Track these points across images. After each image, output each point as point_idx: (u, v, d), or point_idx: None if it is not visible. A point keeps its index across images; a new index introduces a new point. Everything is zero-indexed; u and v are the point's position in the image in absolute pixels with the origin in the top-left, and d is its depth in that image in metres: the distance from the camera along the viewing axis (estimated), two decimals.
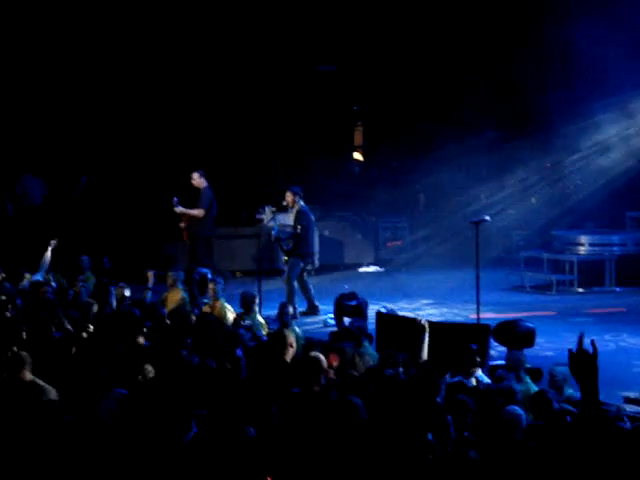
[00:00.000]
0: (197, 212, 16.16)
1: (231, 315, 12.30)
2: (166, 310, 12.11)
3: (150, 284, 13.85)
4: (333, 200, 21.34)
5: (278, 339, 9.62)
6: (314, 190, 19.92)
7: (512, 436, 6.86)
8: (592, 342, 5.13)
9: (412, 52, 21.86)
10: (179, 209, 16.17)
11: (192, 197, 16.44)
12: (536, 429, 7.03)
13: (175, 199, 16.21)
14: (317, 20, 21.38)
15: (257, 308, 12.55)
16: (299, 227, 15.20)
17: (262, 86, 21.56)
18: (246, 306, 12.24)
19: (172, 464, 6.55)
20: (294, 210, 15.46)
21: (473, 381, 8.99)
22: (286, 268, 15.36)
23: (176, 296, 13.33)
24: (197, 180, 16.29)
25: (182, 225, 16.33)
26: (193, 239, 16.26)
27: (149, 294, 13.71)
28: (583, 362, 5.09)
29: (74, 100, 20.21)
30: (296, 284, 15.15)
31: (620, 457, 6.09)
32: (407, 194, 22.10)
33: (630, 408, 8.79)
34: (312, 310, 15.15)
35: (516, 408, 7.37)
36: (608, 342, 13.31)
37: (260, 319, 12.31)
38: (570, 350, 5.12)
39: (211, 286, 12.84)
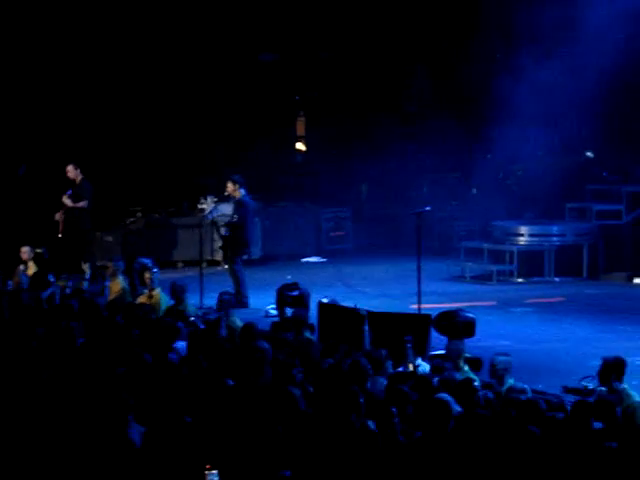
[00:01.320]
0: (83, 204, 16.45)
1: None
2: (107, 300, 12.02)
3: (87, 275, 13.75)
4: (275, 190, 21.30)
5: (216, 328, 9.61)
6: (256, 180, 19.85)
7: (441, 423, 6.87)
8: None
9: (355, 41, 21.85)
10: (68, 201, 16.31)
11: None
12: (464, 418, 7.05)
13: (69, 192, 16.40)
14: (259, 8, 21.27)
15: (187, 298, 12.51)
16: (236, 217, 15.14)
17: (204, 75, 21.40)
18: (176, 297, 12.21)
19: (115, 460, 6.50)
20: (235, 199, 15.39)
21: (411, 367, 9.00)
22: (222, 256, 15.35)
23: (116, 287, 13.22)
24: (73, 172, 16.47)
25: (59, 218, 16.42)
26: (73, 233, 16.43)
27: (85, 284, 13.60)
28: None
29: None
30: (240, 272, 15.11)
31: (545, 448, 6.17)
32: (350, 184, 22.13)
33: (570, 397, 8.87)
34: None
35: (445, 395, 7.41)
36: (548, 332, 13.45)
37: (192, 309, 12.27)
38: None
39: (147, 275, 12.75)
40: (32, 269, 14.38)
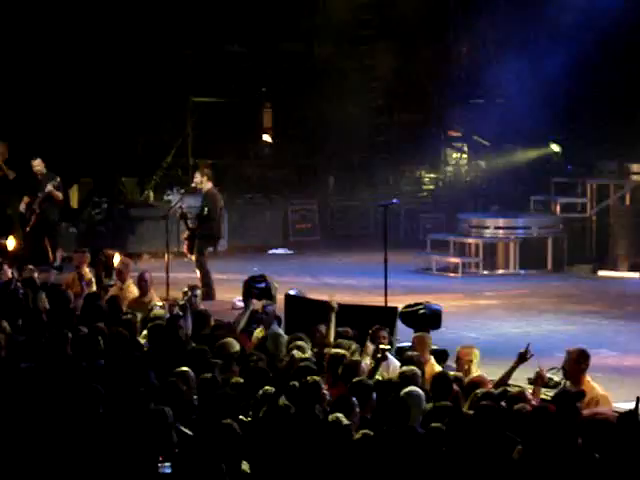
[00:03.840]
0: (60, 194, 16.99)
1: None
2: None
3: (57, 264, 13.67)
4: (242, 182, 21.26)
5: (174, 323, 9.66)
6: (223, 172, 19.81)
7: (412, 417, 6.89)
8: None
9: (320, 31, 21.83)
10: (52, 189, 16.71)
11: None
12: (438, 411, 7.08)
13: (55, 181, 16.83)
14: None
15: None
16: (205, 209, 15.09)
17: (172, 66, 21.27)
18: (142, 289, 12.20)
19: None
20: (202, 191, 15.33)
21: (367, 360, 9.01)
22: (185, 248, 15.30)
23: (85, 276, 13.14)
24: (40, 166, 16.95)
25: (35, 210, 16.66)
26: (45, 224, 16.82)
27: (53, 275, 13.53)
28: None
29: None
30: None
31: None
32: (316, 177, 22.13)
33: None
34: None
35: (416, 389, 7.43)
36: (514, 324, 13.54)
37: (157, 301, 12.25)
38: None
39: (120, 267, 12.71)
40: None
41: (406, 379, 7.94)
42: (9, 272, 12.84)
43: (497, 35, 20.26)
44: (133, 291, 12.52)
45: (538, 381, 8.32)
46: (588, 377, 8.50)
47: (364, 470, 6.24)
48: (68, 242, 18.13)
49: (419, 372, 8.24)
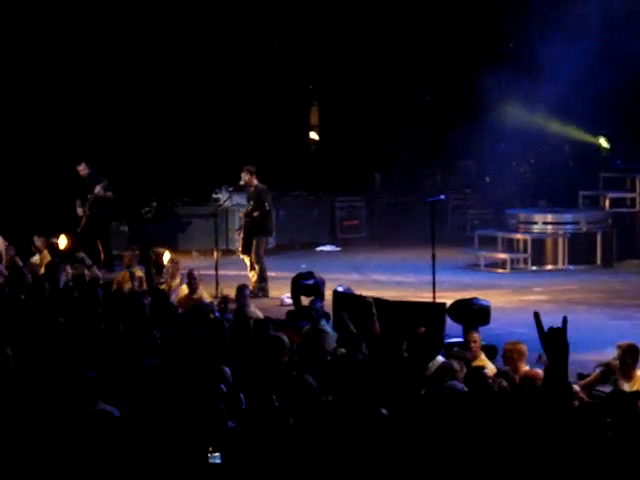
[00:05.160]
0: (110, 194, 17.37)
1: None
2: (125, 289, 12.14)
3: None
4: (290, 179, 21.35)
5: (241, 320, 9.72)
6: (271, 169, 19.91)
7: (451, 409, 6.90)
8: (564, 319, 5.24)
9: (367, 31, 21.86)
10: (100, 190, 17.14)
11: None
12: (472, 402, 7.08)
13: (103, 182, 17.24)
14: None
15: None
16: (266, 204, 15.16)
17: (217, 65, 21.45)
18: (191, 285, 12.35)
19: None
20: (252, 189, 15.39)
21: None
22: (239, 246, 15.39)
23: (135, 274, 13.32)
24: (85, 170, 17.32)
25: (85, 212, 17.12)
26: (96, 225, 17.28)
27: (100, 273, 13.79)
28: (554, 339, 5.20)
29: None
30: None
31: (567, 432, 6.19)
32: (363, 173, 22.17)
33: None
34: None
35: (456, 383, 7.45)
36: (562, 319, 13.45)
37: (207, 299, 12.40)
38: (541, 329, 5.22)
39: (169, 265, 12.88)
40: (46, 258, 14.56)
41: (442, 373, 7.95)
42: (69, 270, 13.08)
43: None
44: (183, 289, 12.68)
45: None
46: (639, 372, 8.48)
47: None
48: (119, 241, 18.37)
49: (457, 366, 8.19)
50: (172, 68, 21.00)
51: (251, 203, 15.21)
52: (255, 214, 14.97)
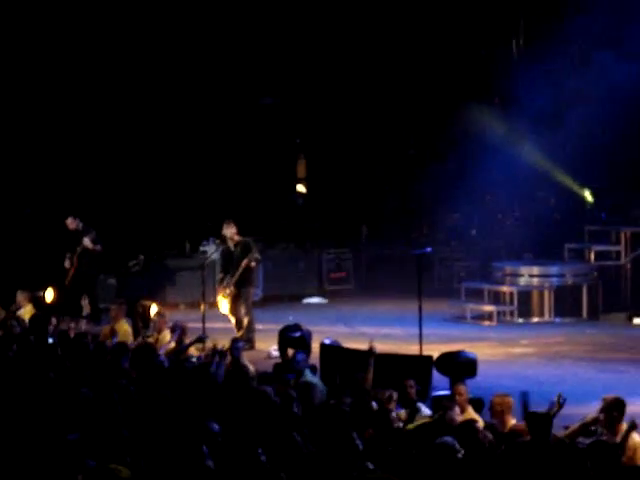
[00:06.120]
0: (99, 248, 17.20)
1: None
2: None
3: (85, 313, 13.87)
4: (277, 232, 21.41)
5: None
6: (258, 222, 19.99)
7: (445, 466, 6.90)
8: (559, 395, 5.30)
9: (353, 85, 22.07)
10: (89, 244, 16.99)
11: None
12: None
13: (90, 234, 17.11)
14: (259, 53, 21.52)
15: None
16: (257, 257, 15.22)
17: (205, 118, 21.61)
18: (178, 338, 12.34)
19: None
20: (237, 241, 15.35)
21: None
22: (228, 300, 15.34)
23: (122, 328, 13.28)
24: (74, 223, 17.19)
25: (73, 265, 16.97)
26: (83, 278, 17.03)
27: (83, 324, 13.74)
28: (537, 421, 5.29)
29: None
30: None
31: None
32: (350, 225, 22.25)
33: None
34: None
35: (448, 439, 7.45)
36: (549, 372, 13.49)
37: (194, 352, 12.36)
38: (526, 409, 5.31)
39: (156, 318, 12.86)
40: (29, 312, 14.43)
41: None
42: (54, 324, 13.03)
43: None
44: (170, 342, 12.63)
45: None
46: (624, 425, 8.48)
47: None
48: (107, 294, 18.33)
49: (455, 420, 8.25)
50: (160, 120, 21.15)
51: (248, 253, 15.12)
52: (245, 263, 14.96)
